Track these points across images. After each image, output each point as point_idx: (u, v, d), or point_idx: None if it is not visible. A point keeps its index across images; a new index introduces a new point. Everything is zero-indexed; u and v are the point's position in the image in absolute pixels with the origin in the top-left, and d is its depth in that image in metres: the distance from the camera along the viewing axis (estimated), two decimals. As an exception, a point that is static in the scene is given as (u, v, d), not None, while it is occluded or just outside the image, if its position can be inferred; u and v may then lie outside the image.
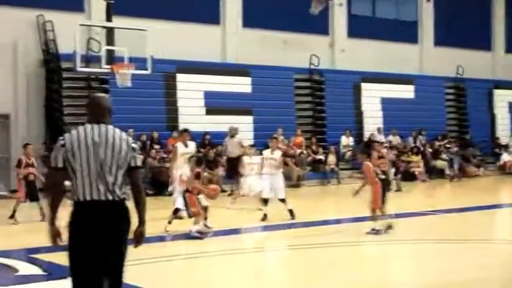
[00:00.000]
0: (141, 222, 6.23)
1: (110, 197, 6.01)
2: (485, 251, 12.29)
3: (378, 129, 30.64)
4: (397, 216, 14.79)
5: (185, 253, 12.23)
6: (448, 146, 31.39)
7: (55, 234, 6.15)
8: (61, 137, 6.19)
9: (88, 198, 5.98)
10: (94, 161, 6.04)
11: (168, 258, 11.73)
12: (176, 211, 14.32)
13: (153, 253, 11.17)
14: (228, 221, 16.11)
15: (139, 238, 6.24)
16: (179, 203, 14.16)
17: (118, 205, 6.05)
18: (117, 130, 6.31)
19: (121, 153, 6.13)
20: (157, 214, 16.75)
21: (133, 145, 6.29)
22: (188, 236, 13.21)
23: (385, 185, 13.97)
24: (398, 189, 22.75)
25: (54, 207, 6.17)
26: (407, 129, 31.28)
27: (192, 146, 16.67)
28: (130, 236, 6.17)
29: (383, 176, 13.97)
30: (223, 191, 23.53)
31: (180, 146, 16.47)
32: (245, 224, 15.86)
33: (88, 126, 6.19)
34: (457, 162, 29.77)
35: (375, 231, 13.46)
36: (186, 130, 17.12)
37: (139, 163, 6.29)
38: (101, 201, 5.99)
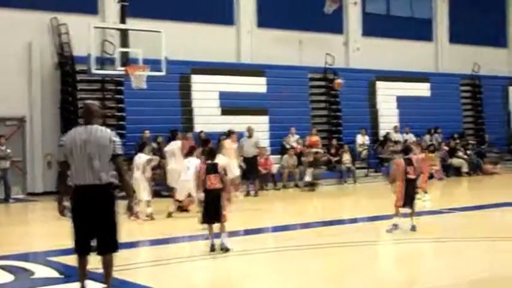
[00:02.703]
0: (128, 195, 8.58)
1: (97, 182, 8.08)
2: (505, 248, 12.19)
3: (394, 128, 30.53)
4: (416, 214, 14.74)
5: (195, 254, 12.12)
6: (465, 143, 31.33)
7: (62, 208, 8.39)
8: (61, 138, 8.46)
9: (80, 183, 8.10)
10: (84, 155, 8.07)
11: (182, 260, 11.71)
12: None
13: (166, 255, 11.15)
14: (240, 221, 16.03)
15: (128, 209, 8.54)
16: None
17: (103, 187, 8.11)
18: (102, 128, 8.24)
19: (104, 147, 8.10)
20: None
21: (114, 138, 8.21)
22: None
23: (412, 186, 13.92)
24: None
25: (62, 189, 8.58)
26: (423, 128, 31.12)
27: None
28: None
29: (413, 177, 13.91)
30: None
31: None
32: (253, 225, 15.78)
33: (80, 127, 8.30)
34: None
35: (395, 226, 13.60)
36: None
37: (119, 152, 8.24)
38: (90, 185, 8.09)
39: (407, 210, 13.79)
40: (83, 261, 8.39)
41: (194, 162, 14.76)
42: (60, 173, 8.48)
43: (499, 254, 11.44)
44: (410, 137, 30.30)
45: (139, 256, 12.34)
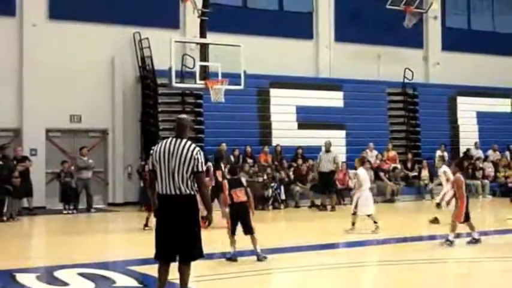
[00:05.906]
0: (207, 210, 8.70)
1: (178, 192, 8.45)
2: None
3: (475, 144, 30.01)
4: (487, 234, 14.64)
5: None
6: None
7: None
8: (152, 147, 8.79)
9: (163, 192, 8.52)
10: (167, 167, 8.50)
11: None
12: None
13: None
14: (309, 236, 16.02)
15: (206, 221, 8.72)
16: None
17: (183, 198, 8.45)
18: (188, 143, 8.63)
19: (185, 162, 8.47)
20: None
21: (196, 156, 8.51)
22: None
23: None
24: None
25: (153, 195, 8.70)
26: (504, 144, 30.55)
27: None
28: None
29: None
30: (314, 205, 23.58)
31: None
32: (334, 239, 15.76)
33: (169, 139, 8.72)
34: None
35: (449, 242, 13.83)
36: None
37: (200, 169, 8.53)
38: (171, 195, 8.47)
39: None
40: (163, 269, 8.65)
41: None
42: (151, 180, 8.77)
43: None
44: (497, 155, 29.84)
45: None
